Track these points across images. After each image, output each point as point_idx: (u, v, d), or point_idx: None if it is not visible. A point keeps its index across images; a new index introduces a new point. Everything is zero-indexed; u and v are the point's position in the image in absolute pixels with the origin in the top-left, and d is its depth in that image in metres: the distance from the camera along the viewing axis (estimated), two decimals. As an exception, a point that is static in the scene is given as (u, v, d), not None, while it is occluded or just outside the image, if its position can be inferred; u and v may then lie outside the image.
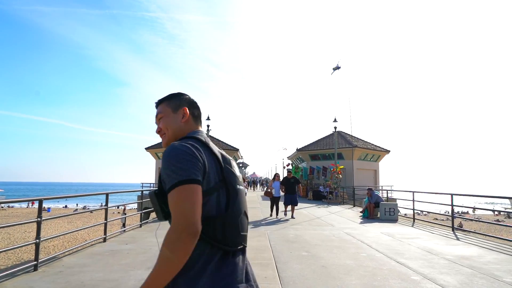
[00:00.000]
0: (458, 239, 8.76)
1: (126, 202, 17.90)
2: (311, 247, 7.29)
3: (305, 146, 34.80)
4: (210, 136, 30.66)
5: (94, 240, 7.69)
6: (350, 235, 9.03)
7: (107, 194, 7.87)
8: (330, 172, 29.17)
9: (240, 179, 1.47)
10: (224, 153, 1.48)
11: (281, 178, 13.49)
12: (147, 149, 32.65)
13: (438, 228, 11.01)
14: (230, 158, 1.48)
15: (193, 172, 1.27)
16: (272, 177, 13.86)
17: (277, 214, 12.97)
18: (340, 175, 24.55)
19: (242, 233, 1.40)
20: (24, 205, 60.80)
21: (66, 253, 6.54)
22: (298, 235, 8.94)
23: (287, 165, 37.21)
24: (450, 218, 31.95)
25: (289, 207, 13.06)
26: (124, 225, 18.83)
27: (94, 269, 5.36)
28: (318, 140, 35.17)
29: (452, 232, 9.90)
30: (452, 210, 10.31)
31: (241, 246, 1.40)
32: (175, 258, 1.20)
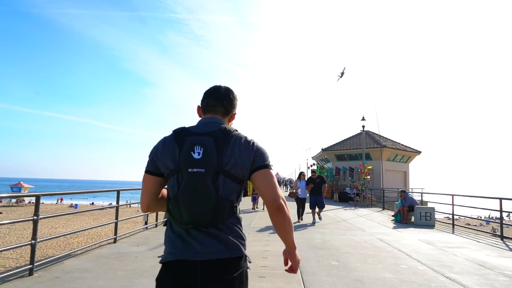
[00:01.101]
0: (511, 249, 7.63)
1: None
2: (341, 255, 6.43)
3: (330, 146, 33.59)
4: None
5: (105, 241, 7.14)
6: (384, 241, 8.08)
7: (118, 191, 7.31)
8: (357, 173, 27.93)
9: (204, 161, 1.47)
10: (206, 136, 1.54)
11: (306, 178, 12.30)
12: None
13: (483, 236, 9.83)
14: (204, 140, 1.52)
15: (148, 163, 1.62)
16: (297, 176, 12.43)
17: (302, 215, 11.77)
18: (368, 176, 23.30)
19: (190, 213, 1.44)
20: (54, 201, 62.61)
21: (74, 254, 6.00)
22: (326, 240, 8.08)
23: (312, 165, 36.07)
24: (484, 223, 30.11)
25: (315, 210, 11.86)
26: (146, 223, 18.60)
27: (96, 275, 4.74)
28: (344, 139, 33.85)
29: (501, 241, 8.75)
30: (501, 216, 9.12)
31: (191, 225, 1.46)
32: None
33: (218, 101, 1.69)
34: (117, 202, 7.29)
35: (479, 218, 25.50)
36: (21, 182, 59.97)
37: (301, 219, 11.66)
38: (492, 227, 29.62)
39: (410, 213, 12.34)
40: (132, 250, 6.42)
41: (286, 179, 75.34)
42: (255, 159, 1.55)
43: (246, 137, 1.59)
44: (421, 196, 13.82)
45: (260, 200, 16.53)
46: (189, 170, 1.45)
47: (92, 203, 61.65)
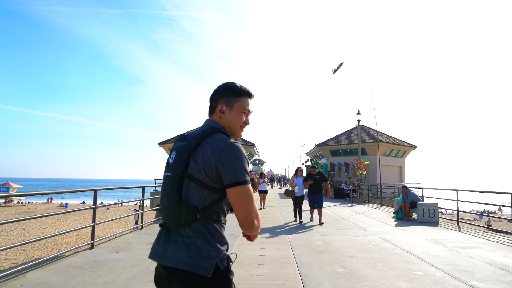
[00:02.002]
0: (528, 249, 7.01)
1: (141, 198, 17.03)
2: (346, 259, 5.74)
3: (325, 141, 32.97)
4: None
5: (81, 246, 6.35)
6: (390, 242, 7.42)
7: (95, 191, 6.51)
8: (352, 169, 27.38)
9: (173, 166, 1.53)
10: (187, 141, 1.55)
11: (304, 173, 11.51)
12: (160, 144, 31.65)
13: (493, 233, 9.25)
14: (180, 145, 1.56)
15: None
16: (294, 172, 11.02)
17: (300, 216, 10.49)
18: (365, 172, 22.75)
19: (162, 214, 1.56)
20: (43, 200, 61.23)
21: (46, 264, 5.22)
22: (327, 241, 7.39)
23: (306, 161, 35.47)
24: (477, 217, 29.79)
25: (315, 211, 10.62)
26: (137, 222, 17.73)
27: (60, 292, 3.97)
28: (339, 134, 33.27)
29: (514, 240, 8.15)
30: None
31: (165, 225, 1.55)
32: None
33: (209, 102, 1.70)
34: (94, 203, 6.48)
35: (472, 212, 25.26)
36: (9, 181, 58.65)
37: (300, 220, 10.41)
38: (489, 218, 29.46)
39: (412, 209, 11.74)
40: (109, 258, 5.65)
41: (279, 175, 74.64)
42: (221, 170, 1.45)
43: (218, 141, 1.48)
44: (422, 191, 13.25)
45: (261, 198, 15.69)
46: (164, 174, 1.60)
47: (83, 202, 60.53)
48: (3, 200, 50.44)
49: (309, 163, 33.64)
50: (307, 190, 10.67)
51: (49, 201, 61.72)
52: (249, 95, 1.65)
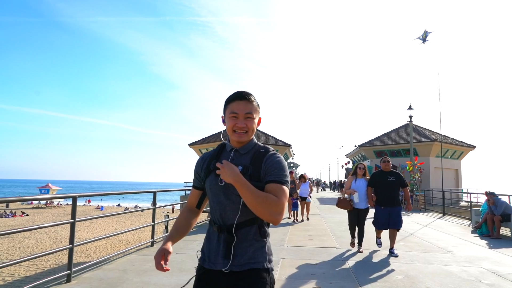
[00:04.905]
0: None
1: (173, 202, 15.56)
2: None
3: (368, 141, 29.91)
4: (259, 131, 27.21)
5: (55, 278, 4.40)
6: (509, 279, 4.90)
7: (74, 197, 4.55)
8: (401, 171, 24.33)
9: None
10: None
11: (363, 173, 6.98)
12: (190, 145, 30.14)
13: None
14: None
15: None
16: (352, 171, 7.22)
17: (360, 241, 6.76)
18: (418, 175, 19.79)
19: None
20: (81, 202, 62.18)
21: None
22: (410, 275, 4.99)
23: (346, 164, 32.59)
24: None
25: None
26: (166, 228, 16.05)
27: None
28: (384, 134, 30.06)
29: None
30: None
31: None
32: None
33: None
34: (73, 216, 4.50)
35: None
36: (49, 184, 60.12)
37: (360, 249, 6.74)
38: None
39: (502, 223, 8.98)
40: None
41: (313, 179, 70.94)
42: None
43: None
44: (509, 199, 10.39)
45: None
46: None
47: (119, 205, 60.79)
48: (44, 202, 51.74)
49: (350, 165, 30.76)
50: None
51: (87, 203, 62.54)
52: (233, 98, 1.64)
